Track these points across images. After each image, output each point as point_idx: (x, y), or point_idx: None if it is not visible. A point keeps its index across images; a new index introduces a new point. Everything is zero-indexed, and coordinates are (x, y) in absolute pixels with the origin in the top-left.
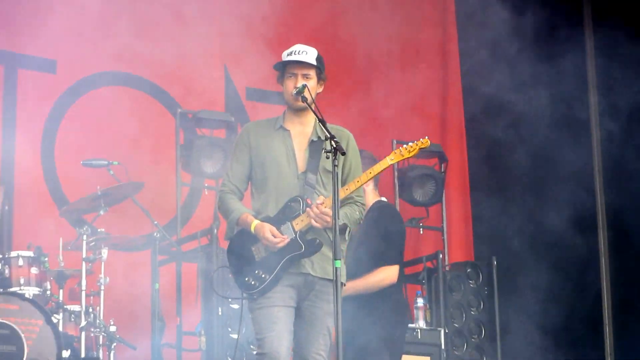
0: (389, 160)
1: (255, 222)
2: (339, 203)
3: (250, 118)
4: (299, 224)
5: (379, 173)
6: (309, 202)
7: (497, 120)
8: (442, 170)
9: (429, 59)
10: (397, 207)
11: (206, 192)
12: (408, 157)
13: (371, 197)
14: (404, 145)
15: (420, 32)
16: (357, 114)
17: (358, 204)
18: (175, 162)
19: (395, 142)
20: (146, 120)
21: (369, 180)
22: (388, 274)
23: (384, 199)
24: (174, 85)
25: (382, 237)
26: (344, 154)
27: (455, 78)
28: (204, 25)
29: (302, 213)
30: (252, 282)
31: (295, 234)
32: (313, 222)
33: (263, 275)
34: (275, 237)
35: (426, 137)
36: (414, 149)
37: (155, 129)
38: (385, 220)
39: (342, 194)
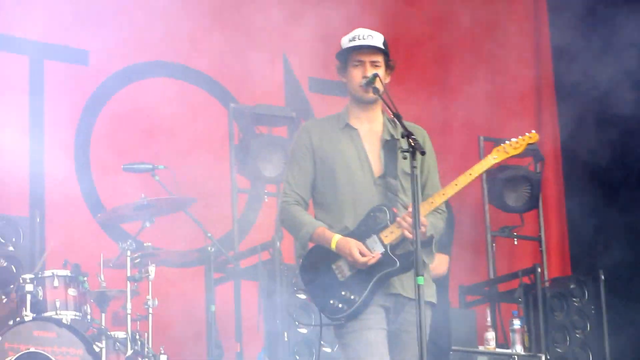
0: (492, 158)
1: (336, 238)
2: (418, 211)
3: (315, 113)
4: (388, 236)
5: (480, 175)
6: (395, 211)
7: (596, 118)
8: (538, 170)
9: (517, 44)
10: (487, 214)
11: (266, 200)
12: (514, 155)
13: None
14: (508, 142)
15: (508, 18)
16: (433, 109)
17: (440, 211)
18: (230, 165)
19: (482, 139)
20: (195, 116)
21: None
22: (440, 262)
23: None
24: (226, 76)
25: None
26: (423, 153)
27: (547, 70)
28: (260, 9)
29: (391, 224)
30: (340, 305)
31: (386, 248)
32: (406, 233)
33: (352, 297)
34: (364, 254)
35: (533, 131)
36: (520, 145)
37: (206, 127)
38: None
39: (427, 206)
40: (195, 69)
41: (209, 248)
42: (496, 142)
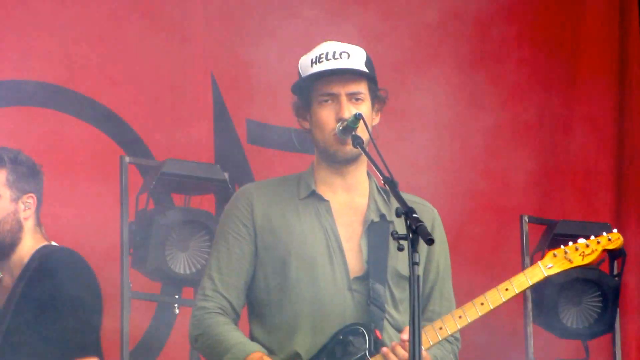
0: (544, 270)
1: None
2: (419, 337)
3: (255, 176)
4: None
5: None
6: (379, 335)
7: None
8: (616, 272)
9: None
10: (530, 341)
11: (177, 311)
12: (580, 266)
13: (30, 239)
14: (573, 244)
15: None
16: (444, 171)
17: (451, 340)
18: (121, 255)
19: (526, 219)
20: (72, 167)
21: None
22: None
23: (54, 243)
24: (127, 109)
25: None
26: (430, 242)
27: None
28: (182, 23)
29: (370, 357)
30: None
31: None
32: None
33: None
34: None
35: (615, 230)
36: (593, 252)
37: (89, 192)
38: (55, 282)
39: (433, 333)
40: (86, 96)
41: None
42: (548, 225)
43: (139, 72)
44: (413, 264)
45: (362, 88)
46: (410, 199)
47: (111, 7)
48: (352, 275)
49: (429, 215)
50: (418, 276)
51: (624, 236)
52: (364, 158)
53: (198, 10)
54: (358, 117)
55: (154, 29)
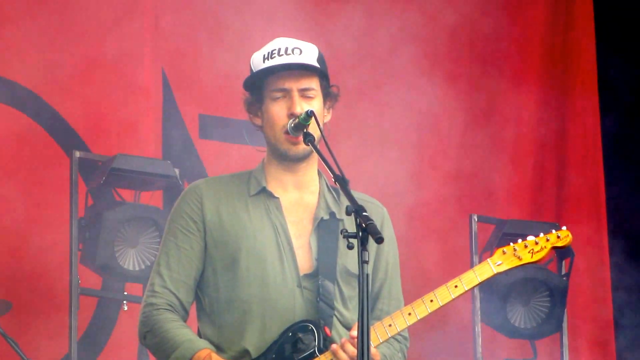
0: (494, 267)
1: None
2: (368, 334)
3: (208, 172)
4: None
5: (468, 290)
6: (328, 332)
7: None
8: (564, 272)
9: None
10: (477, 339)
11: (126, 308)
12: (529, 263)
13: None
14: (522, 241)
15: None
16: (395, 170)
17: (400, 338)
18: (70, 251)
19: (476, 218)
20: (17, 167)
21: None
22: None
23: None
24: (72, 108)
25: None
26: (380, 241)
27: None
28: (132, 19)
29: (320, 354)
30: None
31: None
32: None
33: None
34: None
35: (564, 228)
36: (542, 249)
37: (36, 187)
38: None
39: (382, 330)
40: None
41: None
42: (497, 225)
43: (85, 69)
44: (362, 262)
45: (314, 84)
46: (360, 197)
47: (59, 1)
48: (302, 272)
49: (379, 213)
50: (367, 274)
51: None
52: (315, 156)
53: (148, 6)
54: (310, 114)
55: (103, 25)
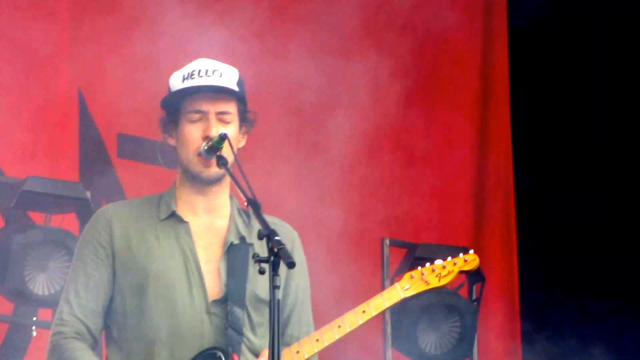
0: (401, 292)
1: None
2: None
3: (127, 194)
4: None
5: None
6: (236, 359)
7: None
8: (475, 298)
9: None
10: None
11: (35, 334)
12: (437, 287)
13: None
14: (430, 265)
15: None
16: (308, 193)
17: None
18: None
19: (388, 242)
20: None
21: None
22: None
23: None
24: None
25: None
26: (292, 266)
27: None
28: (47, 39)
29: None
30: None
31: None
32: None
33: None
34: None
35: (471, 252)
36: (449, 273)
37: None
38: None
39: (290, 357)
40: None
41: None
42: (409, 248)
43: None
44: (274, 287)
45: (231, 108)
46: (271, 220)
47: None
48: (211, 298)
49: (289, 237)
50: (278, 300)
51: (485, 261)
52: (227, 179)
53: (64, 25)
54: (223, 137)
55: (17, 44)
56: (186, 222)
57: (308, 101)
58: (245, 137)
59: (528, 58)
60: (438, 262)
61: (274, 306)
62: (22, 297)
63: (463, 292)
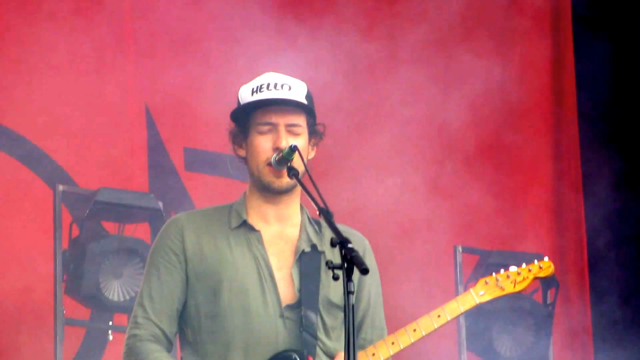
0: (476, 297)
1: None
2: None
3: (195, 204)
4: None
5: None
6: None
7: None
8: (549, 302)
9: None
10: None
11: (111, 338)
12: (512, 293)
13: None
14: (505, 271)
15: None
16: (380, 202)
17: None
18: (54, 282)
19: (460, 250)
20: (3, 203)
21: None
22: None
23: None
24: (54, 142)
25: None
26: (365, 272)
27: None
28: (113, 55)
29: None
30: None
31: None
32: None
33: None
34: None
35: (546, 259)
36: (524, 279)
37: (19, 221)
38: None
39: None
40: (7, 127)
41: None
42: (482, 255)
43: (69, 106)
44: (348, 292)
45: (300, 121)
46: (342, 229)
47: (40, 37)
48: (284, 303)
49: (360, 244)
50: (352, 305)
51: (562, 267)
52: (297, 189)
53: (129, 41)
54: (293, 149)
55: (85, 60)
56: (257, 231)
57: (377, 108)
58: (315, 149)
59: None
60: (513, 268)
61: (349, 311)
62: (97, 303)
63: (537, 297)
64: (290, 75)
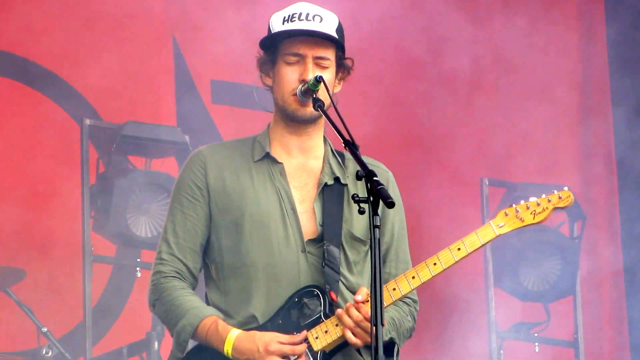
0: (496, 229)
1: (233, 335)
2: (382, 301)
3: (222, 136)
4: (320, 338)
5: (476, 250)
6: (333, 297)
7: None
8: (575, 235)
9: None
10: (491, 303)
11: (139, 274)
12: (532, 224)
13: None
14: (524, 202)
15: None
16: (401, 131)
17: (408, 301)
18: (82, 218)
19: (487, 182)
20: (26, 136)
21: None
22: None
23: None
24: (80, 76)
25: None
26: (391, 205)
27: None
28: None
29: (326, 319)
30: None
31: (315, 358)
32: (349, 335)
33: None
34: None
35: (566, 188)
36: (544, 210)
37: (46, 155)
38: None
39: (387, 294)
40: (32, 62)
41: (44, 352)
42: (508, 188)
43: (94, 39)
44: (374, 226)
45: (329, 54)
46: (367, 161)
47: None
48: (306, 237)
49: (384, 176)
50: (378, 239)
51: (593, 198)
52: (321, 121)
53: None
54: (319, 80)
55: None
56: (280, 163)
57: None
58: (342, 83)
59: None
60: (532, 199)
61: (375, 245)
62: (125, 239)
63: (564, 230)
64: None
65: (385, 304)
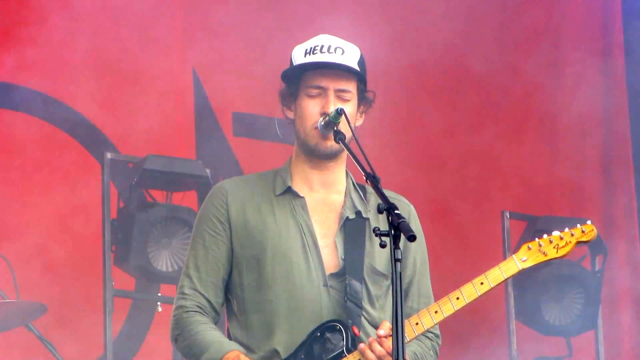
0: (519, 263)
1: None
2: (403, 336)
3: (244, 170)
4: None
5: (499, 284)
6: (356, 332)
7: None
8: (597, 269)
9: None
10: (512, 337)
11: (160, 309)
12: (555, 258)
13: None
14: (548, 236)
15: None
16: (421, 166)
17: (431, 335)
18: (103, 253)
19: (508, 215)
20: (50, 172)
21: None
22: None
23: None
24: (100, 110)
25: None
26: (413, 239)
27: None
28: (160, 19)
29: (348, 354)
30: None
31: None
32: None
33: None
34: None
35: (589, 222)
36: (567, 244)
37: (66, 191)
38: None
39: (410, 328)
40: (54, 99)
41: None
42: (529, 221)
43: (115, 71)
44: (396, 260)
45: (351, 87)
46: (388, 194)
47: (84, 4)
48: (328, 271)
49: (406, 210)
50: (400, 273)
51: (615, 235)
52: (343, 155)
53: (176, 6)
54: (340, 112)
55: (131, 25)
56: (302, 197)
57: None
58: (363, 116)
59: None
60: (555, 233)
61: (397, 279)
62: (146, 273)
63: (586, 264)
64: (343, 38)
65: (407, 338)
